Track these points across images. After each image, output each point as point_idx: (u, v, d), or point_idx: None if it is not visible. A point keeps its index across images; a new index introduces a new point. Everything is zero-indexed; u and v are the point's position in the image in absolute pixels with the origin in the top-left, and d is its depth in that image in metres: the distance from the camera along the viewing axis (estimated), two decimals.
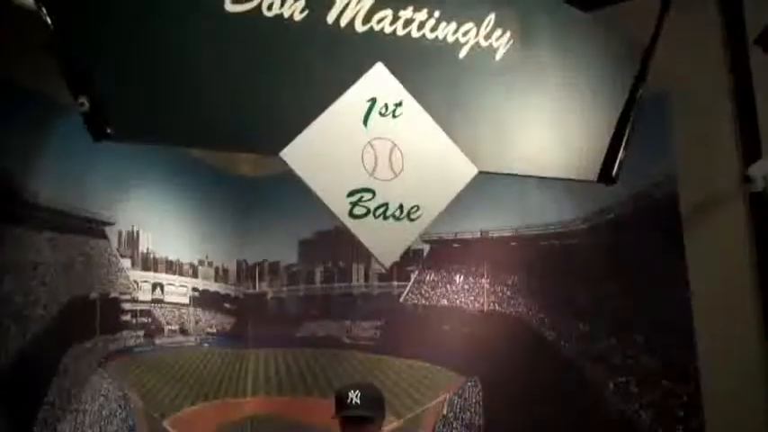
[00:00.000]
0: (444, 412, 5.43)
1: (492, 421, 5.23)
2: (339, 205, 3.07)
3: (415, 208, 3.18)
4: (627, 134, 3.57)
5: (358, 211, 3.08)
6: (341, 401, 3.41)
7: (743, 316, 4.29)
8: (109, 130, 2.59)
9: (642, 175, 4.65)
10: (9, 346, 3.98)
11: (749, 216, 4.34)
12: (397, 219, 3.13)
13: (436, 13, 3.09)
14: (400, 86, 3.13)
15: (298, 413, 5.90)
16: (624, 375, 4.81)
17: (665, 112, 4.61)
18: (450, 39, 3.17)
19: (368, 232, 3.12)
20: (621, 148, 3.55)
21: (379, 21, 3.02)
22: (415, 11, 3.07)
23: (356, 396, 3.39)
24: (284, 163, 3.00)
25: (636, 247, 4.76)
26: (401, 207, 3.15)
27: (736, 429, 4.26)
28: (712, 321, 4.40)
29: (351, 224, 3.09)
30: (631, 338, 4.79)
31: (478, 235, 5.53)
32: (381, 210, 3.11)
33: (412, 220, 3.17)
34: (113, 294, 4.98)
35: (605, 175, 3.54)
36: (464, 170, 3.29)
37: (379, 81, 3.10)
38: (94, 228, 4.84)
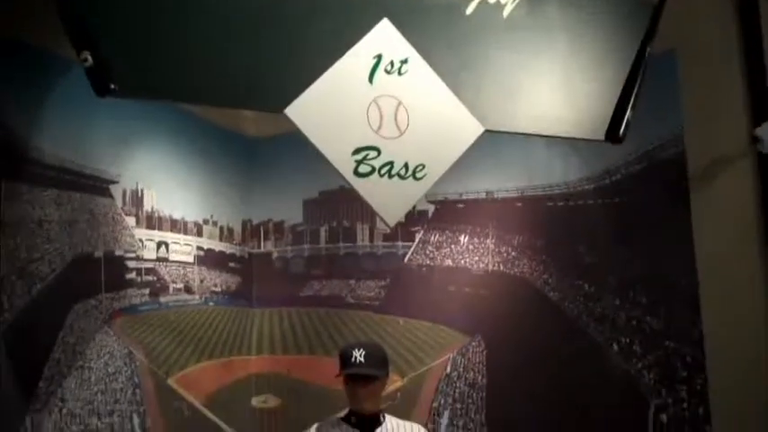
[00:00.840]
0: (448, 371, 5.46)
1: (495, 380, 5.26)
2: (344, 163, 3.06)
3: (421, 167, 3.16)
4: (635, 93, 3.54)
5: (363, 169, 3.07)
6: (345, 360, 3.42)
7: (748, 277, 4.28)
8: (112, 86, 2.58)
9: (649, 135, 4.61)
10: (15, 303, 3.99)
11: (757, 177, 4.31)
12: (403, 177, 3.12)
13: None
14: (406, 43, 3.10)
15: (302, 372, 5.94)
16: (628, 336, 4.81)
17: (673, 72, 4.56)
18: None
19: (373, 191, 3.11)
20: (629, 107, 3.52)
21: None
22: None
23: (360, 354, 3.39)
24: (289, 122, 2.98)
25: (642, 207, 4.74)
26: (406, 165, 3.14)
27: (738, 389, 4.27)
28: (717, 282, 4.40)
29: (356, 182, 3.08)
30: (635, 299, 4.79)
31: (484, 195, 5.51)
32: (386, 168, 3.10)
33: (417, 178, 3.16)
34: (118, 252, 4.98)
35: (612, 134, 3.52)
36: (470, 129, 3.27)
37: (384, 37, 3.07)
38: (99, 186, 4.83)
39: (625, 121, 3.52)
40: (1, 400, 3.82)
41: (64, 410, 4.29)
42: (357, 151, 3.04)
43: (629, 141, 3.64)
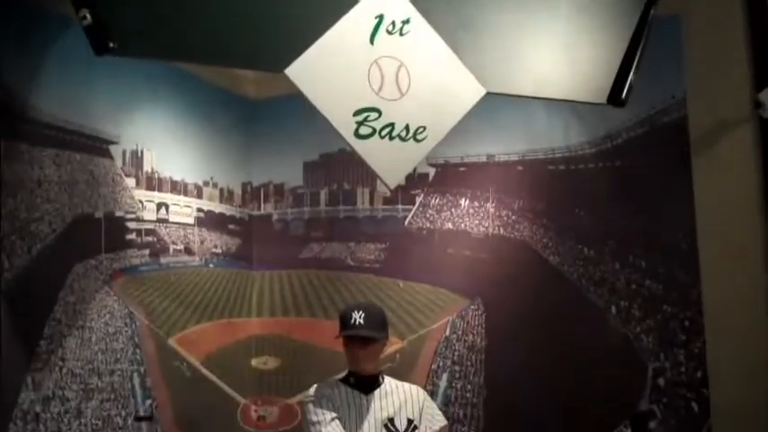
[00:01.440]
0: (447, 334, 5.49)
1: (494, 343, 5.28)
2: (345, 125, 3.05)
3: (422, 129, 3.15)
4: (638, 57, 3.51)
5: (364, 130, 3.06)
6: (345, 321, 3.41)
7: (749, 242, 4.28)
8: (111, 45, 2.56)
9: (651, 99, 4.59)
10: (15, 262, 3.99)
11: (758, 142, 4.30)
12: (403, 139, 3.11)
13: None
14: (408, 3, 3.08)
15: (302, 333, 5.95)
16: (627, 299, 4.83)
17: (676, 36, 4.53)
18: None
19: (373, 152, 3.10)
20: (632, 71, 3.50)
21: None
22: None
23: (360, 316, 3.39)
24: (289, 83, 2.97)
25: (643, 171, 4.74)
26: (407, 127, 3.12)
27: (737, 353, 4.30)
28: (718, 247, 4.41)
29: (356, 144, 3.07)
30: (635, 263, 4.81)
31: (484, 159, 5.50)
32: (387, 130, 3.09)
33: (418, 140, 3.15)
34: (118, 213, 4.98)
35: (614, 98, 3.50)
36: (471, 91, 3.25)
37: None
38: (98, 146, 4.81)
39: (627, 84, 3.50)
40: (2, 360, 3.84)
41: (64, 370, 4.31)
42: (358, 113, 3.03)
43: (631, 105, 3.62)
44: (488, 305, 5.35)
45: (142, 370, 4.95)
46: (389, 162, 3.10)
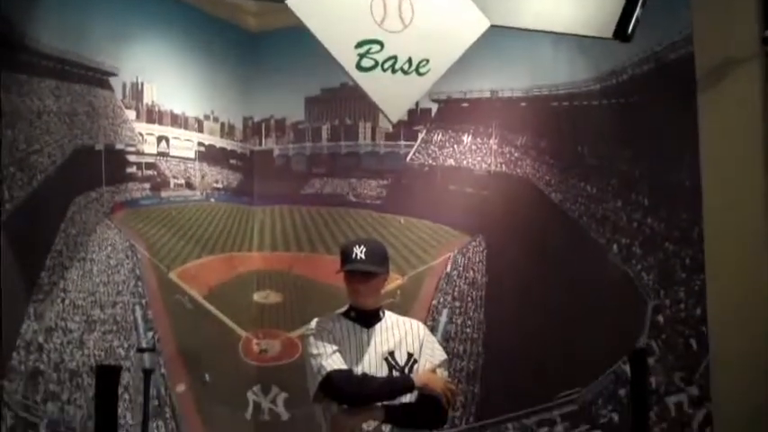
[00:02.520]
0: (448, 270, 5.50)
1: (495, 279, 5.30)
2: (347, 57, 3.01)
3: (424, 62, 3.11)
4: None
5: (366, 63, 3.02)
6: (346, 256, 3.41)
7: (752, 181, 4.26)
8: None
9: (658, 35, 4.53)
10: (15, 194, 3.99)
11: (765, 79, 4.25)
12: (406, 72, 3.07)
13: None
14: None
15: (303, 268, 5.98)
16: (628, 237, 4.84)
17: None
18: None
19: (375, 85, 3.06)
20: (638, 5, 3.43)
21: None
22: None
23: (361, 251, 3.38)
24: (290, 15, 2.92)
25: (648, 109, 4.70)
26: (410, 60, 3.08)
27: (737, 290, 4.31)
28: (720, 185, 4.39)
29: (358, 77, 3.04)
30: (637, 201, 4.80)
31: (488, 95, 5.44)
32: (390, 62, 3.05)
33: (421, 74, 3.11)
34: (118, 146, 4.96)
35: (621, 32, 3.44)
36: (475, 23, 3.19)
37: None
38: (98, 77, 4.76)
39: (634, 19, 3.44)
40: (4, 290, 3.86)
41: (66, 301, 4.34)
42: (360, 45, 2.99)
43: (637, 41, 3.57)
44: (490, 242, 5.35)
45: (144, 302, 4.98)
46: (391, 95, 3.07)
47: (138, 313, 4.92)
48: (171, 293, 5.28)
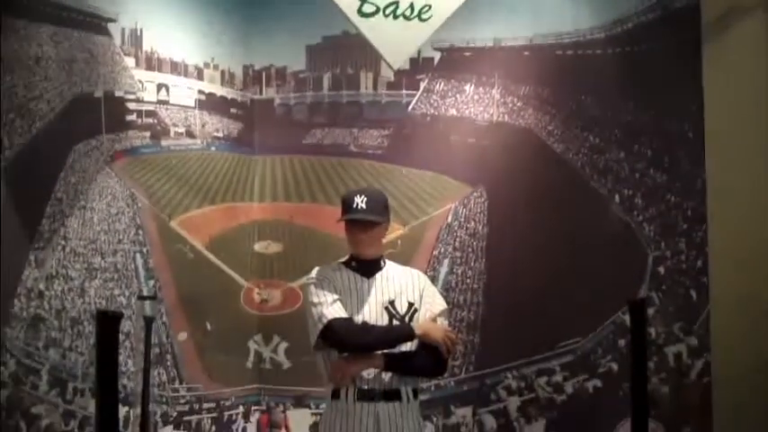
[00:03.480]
0: (449, 221, 5.49)
1: (496, 230, 5.30)
2: (348, 2, 2.97)
3: (427, 7, 3.08)
4: None
5: (367, 8, 2.99)
6: (347, 205, 3.40)
7: (756, 131, 4.24)
8: None
9: None
10: (15, 141, 3.96)
11: None
12: (408, 18, 3.05)
13: None
14: None
15: (304, 219, 5.97)
16: (630, 188, 4.83)
17: None
18: None
19: (377, 31, 3.04)
20: None
21: None
22: None
23: (362, 201, 3.38)
24: None
25: (653, 58, 4.65)
26: (412, 6, 3.05)
27: (739, 241, 4.32)
28: (726, 135, 4.36)
29: (359, 22, 3.01)
30: (640, 151, 4.78)
31: (491, 43, 5.37)
32: (391, 8, 3.02)
33: (423, 19, 3.09)
34: (118, 93, 4.91)
35: None
36: None
37: None
38: (97, 23, 4.71)
39: None
40: (4, 237, 3.85)
41: (67, 249, 4.34)
42: None
43: None
44: (491, 193, 5.34)
45: (145, 251, 4.98)
46: (393, 41, 3.05)
47: (139, 262, 4.92)
48: (172, 243, 5.28)
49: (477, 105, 5.49)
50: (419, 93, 5.72)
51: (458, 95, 5.59)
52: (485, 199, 5.35)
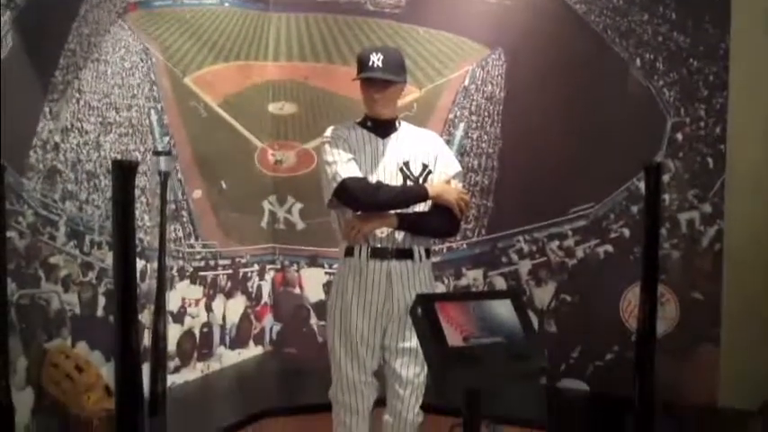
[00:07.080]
0: (466, 84, 5.42)
1: (513, 94, 5.23)
2: None
3: None
4: None
5: None
6: (363, 63, 3.36)
7: None
8: None
9: None
10: None
11: None
12: None
13: None
14: None
15: (319, 80, 5.90)
16: (652, 52, 4.73)
17: None
18: None
19: None
20: None
21: None
22: None
23: (378, 59, 3.33)
24: None
25: None
26: None
27: (761, 108, 4.27)
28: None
29: None
30: (664, 14, 4.66)
31: None
32: None
33: None
34: None
35: None
36: None
37: None
38: None
39: None
40: (18, 89, 3.84)
41: (81, 102, 4.32)
42: None
43: None
44: (510, 55, 5.23)
45: (159, 107, 4.95)
46: None
47: (154, 117, 4.90)
48: (186, 100, 5.24)
49: None
50: None
51: None
52: (503, 62, 5.26)
